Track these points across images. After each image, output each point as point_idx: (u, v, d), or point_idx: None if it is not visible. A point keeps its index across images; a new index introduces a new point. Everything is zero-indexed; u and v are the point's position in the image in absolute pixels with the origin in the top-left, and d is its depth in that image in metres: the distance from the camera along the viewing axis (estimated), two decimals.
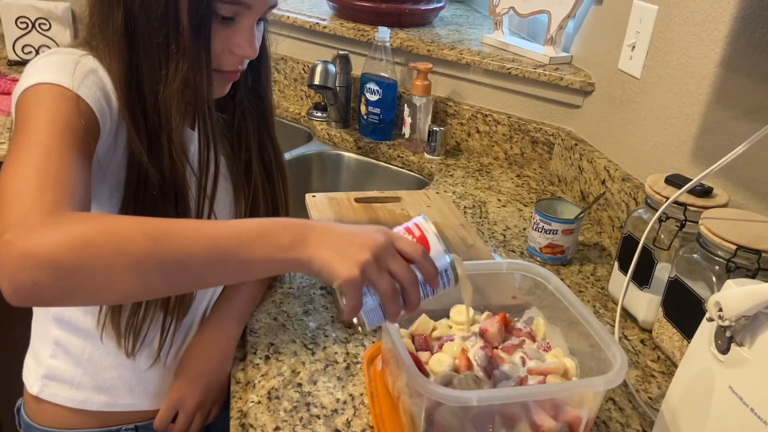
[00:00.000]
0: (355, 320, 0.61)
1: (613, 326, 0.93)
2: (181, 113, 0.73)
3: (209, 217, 0.79)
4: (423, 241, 0.62)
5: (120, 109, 0.71)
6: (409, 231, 0.63)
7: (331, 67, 1.52)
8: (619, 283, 0.97)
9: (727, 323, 0.60)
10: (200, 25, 0.69)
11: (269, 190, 0.90)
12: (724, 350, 0.62)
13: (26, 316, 0.98)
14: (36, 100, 0.65)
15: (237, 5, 0.70)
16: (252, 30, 0.73)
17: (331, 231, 0.58)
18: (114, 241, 0.52)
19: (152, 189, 0.73)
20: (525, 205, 1.31)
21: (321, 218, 1.14)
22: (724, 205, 0.87)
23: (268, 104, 0.89)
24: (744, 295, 0.59)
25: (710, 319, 0.63)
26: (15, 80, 1.66)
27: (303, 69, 1.75)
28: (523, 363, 0.77)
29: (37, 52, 1.82)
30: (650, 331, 0.94)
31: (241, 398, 0.77)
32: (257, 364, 0.82)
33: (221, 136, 0.85)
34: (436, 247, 0.62)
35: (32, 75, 0.67)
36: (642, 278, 0.92)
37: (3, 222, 0.53)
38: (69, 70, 0.67)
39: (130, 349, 0.82)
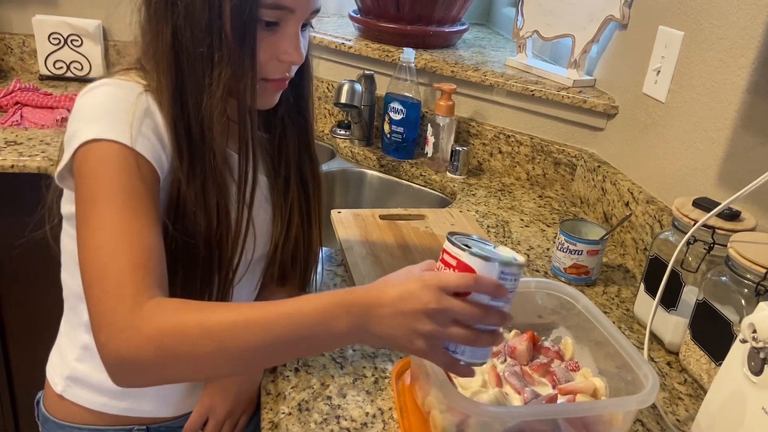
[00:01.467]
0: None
1: (640, 348, 0.93)
2: (224, 125, 0.73)
3: (247, 229, 0.79)
4: (463, 266, 0.60)
5: (166, 128, 0.73)
6: (446, 264, 0.61)
7: (358, 87, 1.55)
8: (645, 304, 0.98)
9: (761, 345, 0.61)
10: (244, 32, 0.70)
11: (305, 205, 0.92)
12: (758, 372, 0.62)
13: (48, 313, 1.02)
14: (98, 166, 0.67)
15: (280, 9, 0.71)
16: (297, 35, 0.74)
17: (385, 306, 0.60)
18: (186, 344, 0.60)
19: (191, 203, 0.74)
20: (548, 226, 1.32)
21: (348, 236, 1.15)
22: (752, 229, 0.87)
23: (310, 118, 0.90)
24: None
25: (743, 341, 0.64)
26: (47, 94, 1.69)
27: (327, 88, 1.78)
28: (552, 381, 0.78)
29: (68, 68, 1.87)
30: (677, 354, 0.94)
31: (272, 409, 0.78)
32: (287, 376, 0.83)
33: (263, 153, 0.87)
34: (477, 263, 0.59)
35: (88, 122, 0.69)
36: (669, 300, 0.93)
37: (95, 321, 0.62)
38: (126, 119, 0.69)
39: None
